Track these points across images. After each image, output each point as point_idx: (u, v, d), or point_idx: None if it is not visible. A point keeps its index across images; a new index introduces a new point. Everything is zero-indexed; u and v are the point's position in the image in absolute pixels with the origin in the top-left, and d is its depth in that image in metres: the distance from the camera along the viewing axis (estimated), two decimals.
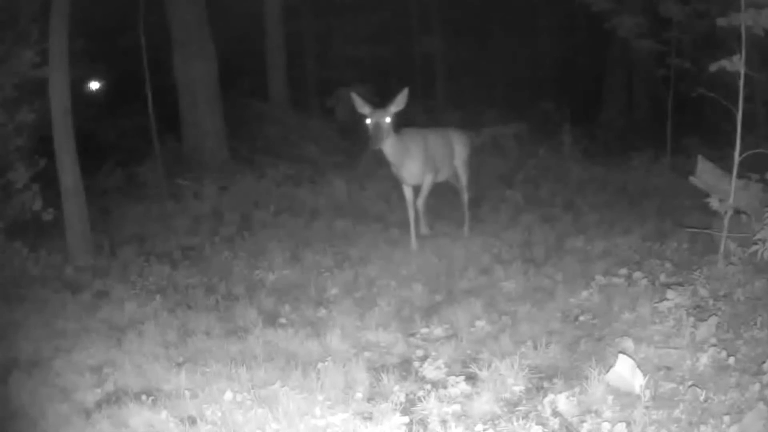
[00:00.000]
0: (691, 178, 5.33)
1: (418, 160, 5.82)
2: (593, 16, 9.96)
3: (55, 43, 5.68)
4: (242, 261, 5.76)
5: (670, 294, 4.27)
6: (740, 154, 4.64)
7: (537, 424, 3.07)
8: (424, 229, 6.14)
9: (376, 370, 3.65)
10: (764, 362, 3.43)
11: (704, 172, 5.24)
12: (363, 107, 5.48)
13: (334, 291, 5.00)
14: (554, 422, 3.09)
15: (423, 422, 3.16)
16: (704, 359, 3.49)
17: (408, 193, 6.02)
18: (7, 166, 5.99)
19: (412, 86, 5.62)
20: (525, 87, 14.25)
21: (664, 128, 8.88)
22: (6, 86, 6.02)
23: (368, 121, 5.45)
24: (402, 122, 5.70)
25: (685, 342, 3.71)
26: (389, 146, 5.56)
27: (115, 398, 3.47)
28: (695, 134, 9.11)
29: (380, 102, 5.56)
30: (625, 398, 3.19)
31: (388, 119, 5.45)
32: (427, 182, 5.94)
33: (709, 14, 7.02)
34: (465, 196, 6.46)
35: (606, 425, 2.99)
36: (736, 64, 4.56)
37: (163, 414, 3.26)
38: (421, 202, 5.97)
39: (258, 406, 3.31)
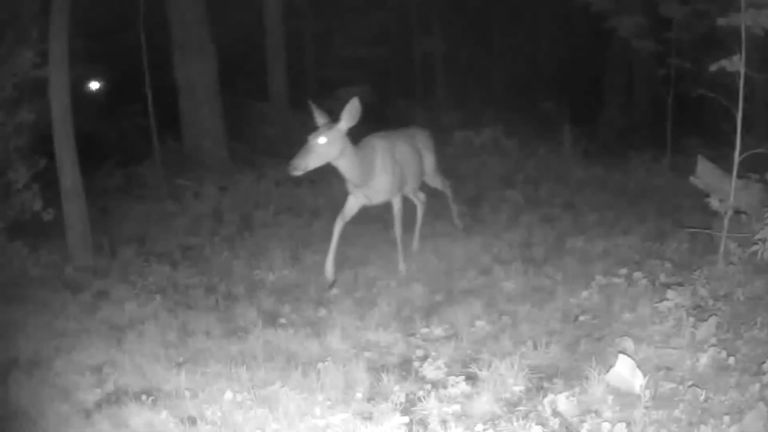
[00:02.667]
0: (691, 178, 5.34)
1: (387, 175, 5.00)
2: (593, 16, 9.96)
3: (55, 43, 5.67)
4: (242, 261, 5.75)
5: (670, 294, 4.27)
6: (740, 154, 4.64)
7: (537, 424, 3.07)
8: (401, 265, 5.31)
9: (376, 370, 3.65)
10: (764, 362, 3.43)
11: (704, 172, 5.25)
12: (320, 118, 4.71)
13: (334, 291, 5.00)
14: (554, 422, 3.09)
15: (423, 422, 3.16)
16: (704, 359, 3.49)
17: (354, 206, 5.13)
18: (7, 166, 5.98)
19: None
20: (525, 87, 14.25)
21: (664, 128, 8.88)
22: (6, 86, 6.01)
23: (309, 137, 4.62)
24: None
25: (685, 342, 3.71)
26: (346, 164, 4.75)
27: (115, 398, 3.47)
28: (695, 134, 9.11)
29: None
30: (625, 398, 3.19)
31: (322, 140, 4.55)
32: (397, 204, 5.22)
33: (709, 14, 7.02)
34: (449, 193, 6.09)
35: (606, 425, 3.00)
36: (736, 64, 4.56)
37: (163, 414, 3.26)
38: (398, 229, 5.26)
39: (258, 406, 3.31)
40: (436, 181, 5.94)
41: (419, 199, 5.90)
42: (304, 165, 4.57)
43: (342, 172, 4.84)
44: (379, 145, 5.05)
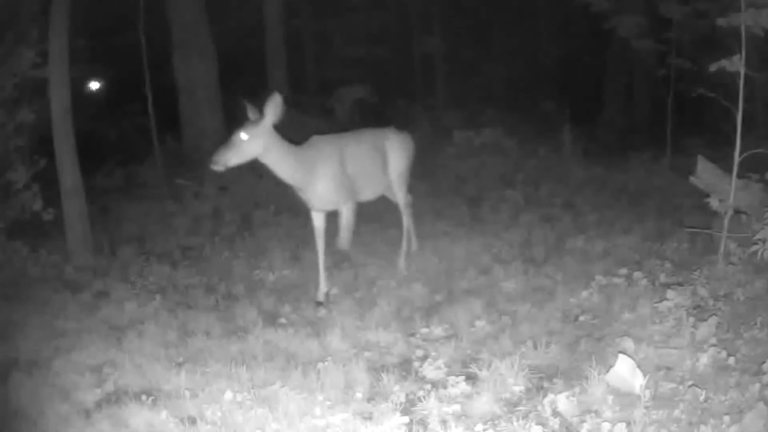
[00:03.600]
0: (691, 178, 5.34)
1: (328, 181, 4.63)
2: (593, 16, 9.96)
3: (55, 43, 5.68)
4: (242, 261, 5.75)
5: (670, 294, 4.28)
6: (740, 154, 4.64)
7: (537, 424, 3.08)
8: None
9: (376, 370, 3.65)
10: (764, 362, 3.43)
11: (704, 172, 5.25)
12: (250, 114, 4.45)
13: (334, 291, 5.00)
14: (554, 422, 3.09)
15: (423, 422, 3.16)
16: (704, 359, 3.49)
17: (318, 220, 4.87)
18: (7, 166, 5.99)
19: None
20: (525, 87, 14.25)
21: (664, 128, 8.88)
22: (6, 86, 6.01)
23: None
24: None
25: (685, 342, 3.72)
26: (276, 163, 4.45)
27: (115, 398, 3.48)
28: (695, 134, 9.11)
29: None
30: (625, 398, 3.19)
31: (243, 136, 4.32)
32: (345, 213, 4.77)
33: (709, 14, 7.02)
34: (404, 217, 5.40)
35: (606, 425, 3.00)
36: (736, 64, 4.56)
37: (163, 414, 3.26)
38: (345, 239, 4.83)
39: (258, 406, 3.32)
40: (399, 191, 5.28)
41: (401, 201, 5.42)
42: (224, 160, 4.32)
43: (274, 171, 4.51)
44: (324, 148, 4.71)
